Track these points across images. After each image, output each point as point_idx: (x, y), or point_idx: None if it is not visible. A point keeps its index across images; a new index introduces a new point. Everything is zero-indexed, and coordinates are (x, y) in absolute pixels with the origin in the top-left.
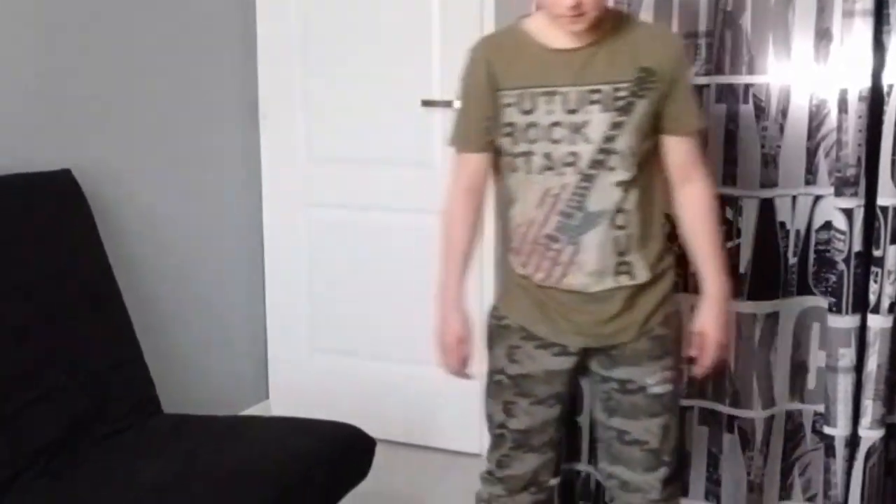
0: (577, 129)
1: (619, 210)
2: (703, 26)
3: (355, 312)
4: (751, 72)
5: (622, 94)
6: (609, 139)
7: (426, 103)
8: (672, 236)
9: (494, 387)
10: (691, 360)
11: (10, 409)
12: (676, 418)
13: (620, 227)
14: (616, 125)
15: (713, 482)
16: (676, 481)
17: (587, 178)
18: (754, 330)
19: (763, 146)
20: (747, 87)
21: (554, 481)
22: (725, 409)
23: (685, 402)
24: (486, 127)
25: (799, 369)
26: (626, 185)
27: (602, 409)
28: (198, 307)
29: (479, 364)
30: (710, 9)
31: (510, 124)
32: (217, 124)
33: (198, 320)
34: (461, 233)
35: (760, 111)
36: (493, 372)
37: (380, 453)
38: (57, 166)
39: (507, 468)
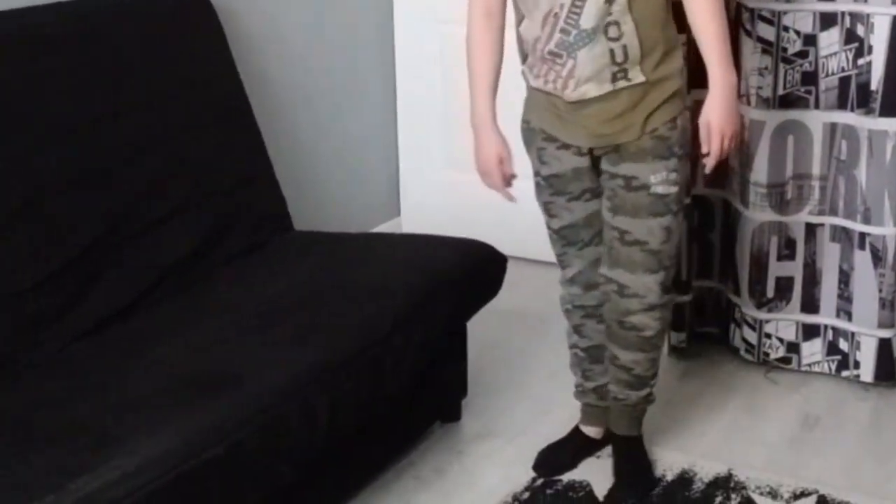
0: None
1: (609, 23)
2: None
3: None
4: None
5: None
6: None
7: None
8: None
9: (536, 189)
10: (704, 156)
11: (140, 225)
12: (679, 223)
13: (614, 39)
14: None
15: (844, 299)
16: (672, 289)
17: None
18: (886, 147)
19: None
20: None
21: None
22: (857, 226)
23: (815, 220)
24: None
25: None
26: None
27: (608, 209)
28: (329, 124)
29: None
30: None
31: None
32: None
33: (329, 137)
34: (483, 57)
35: None
36: (534, 175)
37: (511, 270)
38: None
39: (570, 266)
